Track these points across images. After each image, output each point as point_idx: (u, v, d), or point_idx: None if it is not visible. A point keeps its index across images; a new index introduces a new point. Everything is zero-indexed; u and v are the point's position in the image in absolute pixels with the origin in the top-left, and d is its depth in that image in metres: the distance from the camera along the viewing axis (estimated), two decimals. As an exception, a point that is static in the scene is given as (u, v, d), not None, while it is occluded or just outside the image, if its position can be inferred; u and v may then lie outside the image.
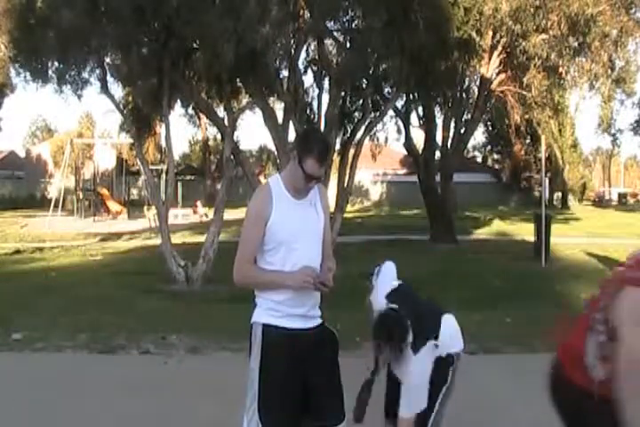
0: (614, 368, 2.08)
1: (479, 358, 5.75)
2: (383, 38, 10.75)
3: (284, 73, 12.39)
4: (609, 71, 15.09)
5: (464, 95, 18.98)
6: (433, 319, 3.07)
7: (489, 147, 47.26)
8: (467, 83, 18.54)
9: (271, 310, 2.76)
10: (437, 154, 19.27)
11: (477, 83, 18.38)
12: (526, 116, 20.51)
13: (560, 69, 14.52)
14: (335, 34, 13.54)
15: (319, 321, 2.85)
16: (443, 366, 3.03)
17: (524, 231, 18.07)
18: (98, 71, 10.60)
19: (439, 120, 19.37)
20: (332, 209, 9.54)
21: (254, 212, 2.78)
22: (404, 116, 18.66)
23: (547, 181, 19.17)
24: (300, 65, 13.38)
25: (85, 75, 10.65)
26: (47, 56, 10.02)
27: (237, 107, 15.31)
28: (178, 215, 24.83)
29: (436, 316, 3.10)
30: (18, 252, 14.66)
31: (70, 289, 9.53)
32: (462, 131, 18.73)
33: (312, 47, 14.50)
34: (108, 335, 6.40)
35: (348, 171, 13.02)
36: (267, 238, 2.74)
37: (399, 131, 19.88)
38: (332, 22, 12.70)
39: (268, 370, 2.70)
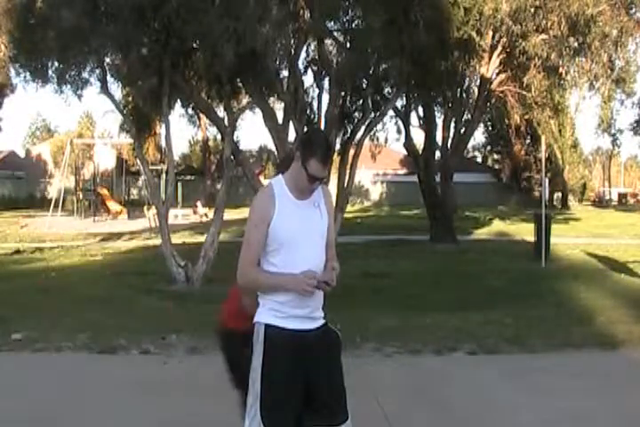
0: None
1: (479, 358, 5.75)
2: (383, 38, 10.75)
3: (284, 73, 12.41)
4: (609, 71, 15.09)
5: (464, 95, 18.97)
6: None
7: (489, 147, 47.22)
8: (467, 83, 18.52)
9: (274, 311, 2.76)
10: (437, 154, 19.28)
11: (477, 83, 18.38)
12: (526, 117, 20.50)
13: (560, 69, 14.51)
14: (335, 34, 13.53)
15: (322, 322, 2.85)
16: None
17: (524, 231, 18.06)
18: (98, 71, 10.60)
19: (439, 120, 19.40)
20: (332, 209, 9.48)
21: (256, 213, 2.77)
22: (403, 116, 18.66)
23: (547, 181, 19.14)
24: (300, 65, 13.38)
25: (85, 75, 10.64)
26: (47, 56, 10.01)
27: (237, 107, 15.31)
28: (178, 215, 24.83)
29: None
30: (18, 252, 14.66)
31: (70, 289, 9.52)
32: (462, 131, 18.74)
33: (312, 47, 14.48)
34: (108, 335, 6.39)
35: (348, 171, 13.02)
36: (269, 239, 2.74)
37: (399, 131, 19.91)
38: (332, 22, 12.70)
39: (271, 370, 2.70)
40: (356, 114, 14.70)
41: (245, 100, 15.93)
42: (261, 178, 19.03)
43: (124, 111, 12.36)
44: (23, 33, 9.80)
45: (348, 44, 13.39)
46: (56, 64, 10.26)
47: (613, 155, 63.48)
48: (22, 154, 50.76)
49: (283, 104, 12.83)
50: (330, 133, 11.99)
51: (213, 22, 8.76)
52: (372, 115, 14.31)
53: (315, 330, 2.79)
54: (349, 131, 14.27)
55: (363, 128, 13.61)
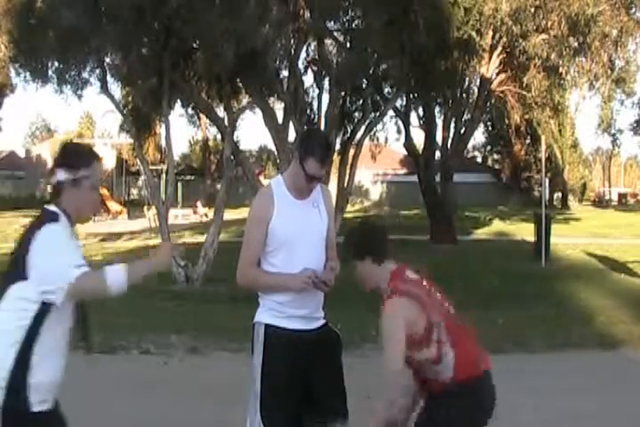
0: None
1: (479, 358, 5.74)
2: (383, 38, 10.76)
3: (284, 73, 12.41)
4: (609, 71, 15.09)
5: (464, 95, 18.98)
6: None
7: (489, 147, 47.25)
8: (467, 83, 18.54)
9: (274, 311, 2.76)
10: (437, 154, 19.29)
11: (477, 83, 18.38)
12: (526, 116, 20.51)
13: (560, 69, 14.51)
14: (335, 34, 13.54)
15: (322, 322, 2.84)
16: None
17: (524, 231, 18.06)
18: (98, 71, 10.61)
19: (439, 120, 19.41)
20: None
21: (256, 213, 2.77)
22: (403, 116, 18.66)
23: (547, 181, 19.13)
24: (300, 65, 13.40)
25: (85, 75, 10.69)
26: (47, 56, 10.03)
27: (237, 107, 15.32)
28: (178, 215, 24.84)
29: None
30: (18, 252, 14.63)
31: (70, 289, 9.51)
32: (462, 131, 18.74)
33: (312, 47, 14.50)
34: (108, 335, 6.39)
35: (348, 171, 13.03)
36: (269, 239, 2.74)
37: (399, 131, 19.92)
38: (332, 22, 12.71)
39: (270, 370, 2.69)
40: (356, 114, 14.72)
41: (245, 100, 15.93)
42: (261, 178, 19.05)
43: (124, 111, 12.36)
44: (23, 33, 9.82)
45: (348, 44, 13.41)
46: (56, 64, 10.28)
47: (613, 155, 63.45)
48: (22, 154, 50.74)
49: (283, 104, 12.83)
50: (330, 133, 12.00)
51: (213, 22, 8.76)
52: (372, 115, 14.32)
53: (315, 330, 2.79)
54: (349, 131, 14.29)
55: (363, 128, 13.62)
